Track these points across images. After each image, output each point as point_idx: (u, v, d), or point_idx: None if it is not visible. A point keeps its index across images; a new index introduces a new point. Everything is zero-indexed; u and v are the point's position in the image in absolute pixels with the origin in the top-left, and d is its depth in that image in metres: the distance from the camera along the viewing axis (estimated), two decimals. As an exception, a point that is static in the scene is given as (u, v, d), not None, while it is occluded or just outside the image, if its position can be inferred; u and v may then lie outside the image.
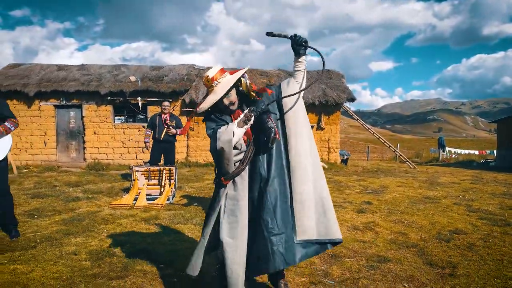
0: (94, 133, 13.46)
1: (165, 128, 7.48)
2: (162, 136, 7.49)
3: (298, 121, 2.86)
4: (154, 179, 7.00)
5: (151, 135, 7.76)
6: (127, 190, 7.23)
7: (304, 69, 2.90)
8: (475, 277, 3.49)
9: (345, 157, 15.25)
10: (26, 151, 13.18)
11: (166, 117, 7.58)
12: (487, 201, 7.22)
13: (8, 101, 13.00)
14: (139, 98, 13.11)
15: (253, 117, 2.66)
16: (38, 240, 4.45)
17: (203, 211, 5.92)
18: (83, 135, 13.47)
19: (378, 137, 15.61)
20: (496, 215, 5.98)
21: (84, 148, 13.48)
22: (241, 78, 2.76)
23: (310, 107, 14.09)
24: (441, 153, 24.05)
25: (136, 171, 7.02)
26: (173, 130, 7.53)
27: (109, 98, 13.26)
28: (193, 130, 13.87)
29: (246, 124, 2.65)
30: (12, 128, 4.41)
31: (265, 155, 2.76)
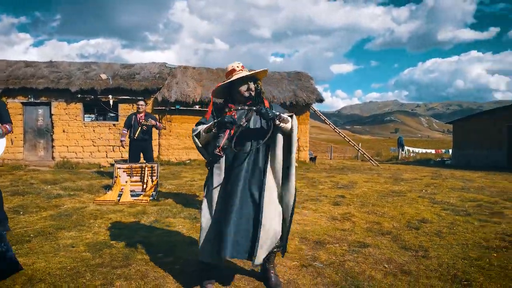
0: (63, 131, 13.24)
1: (139, 128, 7.62)
2: (136, 135, 7.64)
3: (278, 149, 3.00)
4: (136, 176, 7.12)
5: (127, 134, 7.87)
6: (108, 187, 7.31)
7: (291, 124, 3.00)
8: (445, 259, 3.94)
9: (314, 156, 15.80)
10: (-10, 149, 12.77)
11: (141, 116, 7.72)
12: (448, 195, 7.85)
13: (-28, 98, 12.58)
14: (110, 96, 13.03)
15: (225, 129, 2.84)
16: (32, 235, 4.52)
17: (189, 207, 6.14)
18: (51, 133, 13.22)
19: (343, 136, 16.28)
20: (457, 207, 6.57)
21: (53, 146, 13.23)
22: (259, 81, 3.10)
23: (282, 107, 14.53)
24: (400, 152, 25.24)
25: (118, 168, 7.12)
26: (152, 121, 7.72)
27: (79, 95, 13.09)
28: (165, 129, 13.93)
29: (216, 132, 2.87)
30: (10, 131, 4.58)
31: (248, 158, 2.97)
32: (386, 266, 3.74)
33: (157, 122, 7.86)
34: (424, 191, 8.31)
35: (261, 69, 3.12)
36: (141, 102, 7.87)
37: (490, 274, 3.51)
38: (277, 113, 2.91)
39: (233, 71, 3.04)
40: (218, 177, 2.97)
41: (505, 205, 6.77)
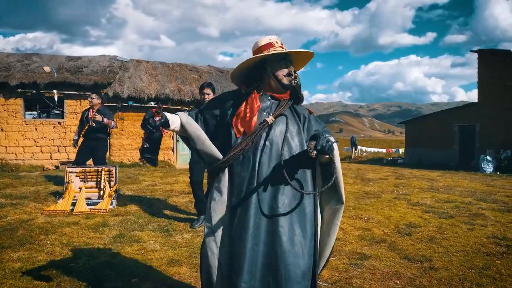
0: (1, 130, 11.77)
1: (88, 124, 6.69)
2: (83, 132, 6.73)
3: None
4: (91, 181, 6.25)
5: (80, 132, 6.95)
6: (58, 194, 6.37)
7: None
8: (453, 269, 3.62)
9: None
10: None
11: (93, 112, 6.76)
12: (421, 195, 7.70)
13: None
14: (54, 91, 11.77)
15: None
16: (-33, 258, 3.66)
17: (156, 216, 5.42)
18: (-13, 132, 11.74)
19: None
20: (437, 208, 6.38)
21: (-11, 147, 11.76)
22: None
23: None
24: (353, 151, 25.62)
25: (69, 172, 6.21)
26: (99, 117, 6.56)
27: (19, 90, 11.70)
28: (116, 128, 12.87)
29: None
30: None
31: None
32: (397, 282, 3.35)
33: (106, 119, 6.66)
34: (396, 192, 8.12)
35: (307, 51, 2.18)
36: (93, 95, 6.89)
37: (505, 285, 3.26)
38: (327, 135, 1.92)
39: (269, 45, 2.10)
40: (220, 203, 2.04)
41: (480, 206, 6.68)
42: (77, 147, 6.92)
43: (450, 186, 9.28)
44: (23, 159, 11.96)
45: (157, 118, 1.93)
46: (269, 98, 2.12)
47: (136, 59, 14.40)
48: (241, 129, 2.03)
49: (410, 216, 5.81)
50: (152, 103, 12.62)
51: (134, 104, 12.76)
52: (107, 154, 12.75)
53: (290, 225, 1.96)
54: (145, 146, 2.12)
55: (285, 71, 2.09)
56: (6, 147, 11.86)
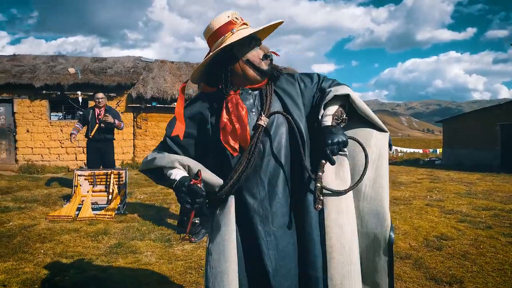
0: (27, 131, 11.93)
1: (97, 125, 6.44)
2: (92, 133, 6.48)
3: None
4: (100, 184, 6.02)
5: (80, 129, 6.70)
6: (67, 198, 6.18)
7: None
8: (489, 295, 3.05)
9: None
10: None
11: (100, 112, 6.52)
12: (456, 202, 7.01)
13: None
14: (79, 93, 11.78)
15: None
16: (-47, 268, 3.45)
17: (161, 224, 5.09)
18: (14, 134, 11.88)
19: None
20: (473, 217, 5.72)
21: (16, 148, 11.91)
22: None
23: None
24: (388, 152, 24.62)
25: (78, 175, 6.01)
26: (111, 118, 6.37)
27: (44, 92, 11.79)
28: (140, 128, 12.79)
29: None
30: None
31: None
32: (420, 311, 2.82)
33: (117, 120, 6.51)
34: (429, 198, 7.45)
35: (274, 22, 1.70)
36: (100, 94, 6.63)
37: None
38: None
39: (230, 25, 1.59)
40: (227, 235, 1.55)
41: (524, 215, 5.95)
42: (76, 142, 6.70)
43: (490, 190, 8.47)
44: (49, 160, 12.06)
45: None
46: (249, 91, 1.65)
47: (160, 59, 14.27)
48: (236, 146, 1.58)
49: (442, 226, 5.20)
50: (176, 103, 12.38)
51: (158, 105, 12.60)
52: (131, 155, 12.69)
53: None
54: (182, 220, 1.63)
55: (260, 53, 1.62)
56: (32, 148, 12.00)
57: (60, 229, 4.75)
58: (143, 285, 3.17)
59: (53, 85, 11.74)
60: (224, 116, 1.57)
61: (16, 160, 11.88)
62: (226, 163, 1.59)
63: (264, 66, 1.61)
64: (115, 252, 3.98)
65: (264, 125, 1.57)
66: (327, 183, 1.53)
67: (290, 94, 1.68)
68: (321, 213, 1.53)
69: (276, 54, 1.72)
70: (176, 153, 1.64)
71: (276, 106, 1.64)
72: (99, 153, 6.62)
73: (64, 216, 5.18)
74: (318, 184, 1.46)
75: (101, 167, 6.54)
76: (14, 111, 11.83)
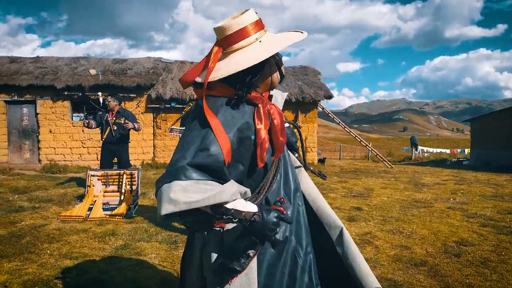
0: (50, 131, 12.19)
1: (109, 128, 6.44)
2: (105, 136, 6.49)
3: None
4: (113, 184, 6.03)
5: (93, 125, 6.66)
6: (82, 198, 6.21)
7: None
8: (508, 307, 2.82)
9: (323, 157, 14.64)
10: (-28, 151, 11.79)
11: (112, 115, 6.51)
12: (481, 205, 6.68)
13: (-50, 96, 11.59)
14: (99, 93, 11.95)
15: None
16: (-39, 267, 3.48)
17: (169, 227, 5.01)
18: (37, 134, 12.16)
19: (354, 136, 15.11)
20: (497, 221, 5.42)
21: (39, 148, 12.19)
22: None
23: (286, 105, 13.37)
24: (414, 152, 23.97)
25: (91, 175, 6.03)
26: (130, 124, 6.40)
27: (66, 93, 12.02)
28: (160, 129, 12.85)
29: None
30: None
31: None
32: (431, 323, 2.62)
33: (132, 123, 6.47)
34: (452, 200, 7.13)
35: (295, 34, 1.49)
36: (109, 98, 6.65)
37: None
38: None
39: (260, 24, 1.44)
40: None
41: (554, 219, 5.58)
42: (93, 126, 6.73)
43: (518, 193, 8.05)
44: (71, 160, 12.27)
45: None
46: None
47: (180, 60, 14.32)
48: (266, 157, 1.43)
49: (463, 231, 4.93)
50: (192, 103, 12.35)
51: (177, 105, 12.64)
52: (151, 155, 12.77)
53: None
54: None
55: (277, 72, 1.53)
56: (54, 148, 12.24)
57: (70, 229, 4.75)
58: (143, 287, 3.10)
59: (74, 86, 11.94)
60: (262, 130, 1.39)
61: (39, 160, 12.15)
62: (250, 172, 1.45)
63: (277, 84, 1.56)
64: (120, 253, 3.93)
65: None
66: None
67: None
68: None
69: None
70: (221, 179, 1.26)
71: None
72: (112, 155, 6.66)
73: (75, 216, 5.19)
74: None
75: (116, 167, 6.57)
76: (37, 112, 12.10)
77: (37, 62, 12.77)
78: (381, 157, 15.69)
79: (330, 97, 13.69)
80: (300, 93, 13.28)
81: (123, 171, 6.07)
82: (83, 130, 12.32)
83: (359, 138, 15.15)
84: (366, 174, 11.92)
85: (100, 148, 6.97)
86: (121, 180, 6.01)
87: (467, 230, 4.97)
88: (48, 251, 3.96)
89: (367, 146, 15.36)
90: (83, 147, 12.40)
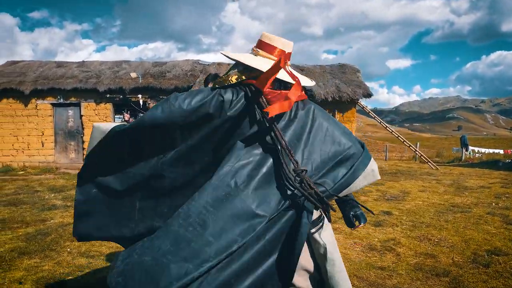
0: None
1: None
2: None
3: None
4: (140, 184, 6.16)
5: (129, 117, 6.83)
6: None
7: None
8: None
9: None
10: (23, 151, 12.54)
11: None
12: (526, 210, 6.18)
13: (4, 100, 12.41)
14: (139, 96, 12.33)
15: None
16: (-15, 262, 3.68)
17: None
18: (82, 135, 12.76)
19: (397, 135, 14.55)
20: (541, 230, 4.97)
21: (83, 148, 12.77)
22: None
23: (323, 104, 13.09)
24: (464, 153, 22.71)
25: (121, 175, 6.19)
26: None
27: (108, 95, 12.51)
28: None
29: None
30: None
31: None
32: None
33: None
34: (494, 205, 6.65)
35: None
36: (148, 100, 6.80)
37: None
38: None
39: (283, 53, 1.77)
40: None
41: None
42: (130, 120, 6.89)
43: None
44: (113, 160, 12.75)
45: None
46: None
47: (218, 62, 14.45)
48: None
49: (498, 239, 4.57)
50: None
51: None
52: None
53: None
54: None
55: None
56: (98, 149, 12.76)
57: (94, 228, 4.90)
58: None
59: (116, 89, 12.40)
60: None
61: (84, 160, 12.71)
62: None
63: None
64: (135, 253, 3.98)
65: None
66: None
67: None
68: None
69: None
70: None
71: None
72: None
73: (101, 215, 5.34)
74: None
75: None
76: (81, 114, 12.68)
77: (82, 66, 13.39)
78: (425, 158, 14.98)
79: (369, 95, 13.26)
80: (337, 92, 12.96)
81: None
82: (124, 131, 12.75)
83: (401, 138, 14.56)
84: (406, 176, 11.43)
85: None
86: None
87: (502, 238, 4.60)
88: (68, 249, 4.09)
89: (410, 147, 14.72)
90: (125, 148, 12.85)
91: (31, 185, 8.25)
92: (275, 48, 1.73)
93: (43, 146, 12.56)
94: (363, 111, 14.93)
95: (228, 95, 1.59)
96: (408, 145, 14.50)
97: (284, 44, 1.74)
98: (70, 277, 3.34)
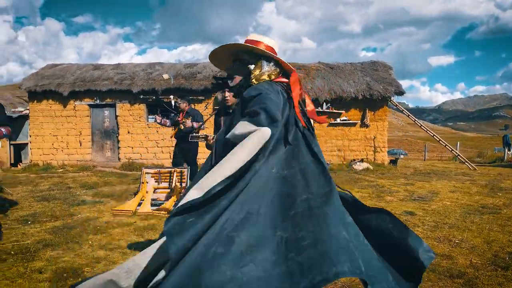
0: (128, 132, 13.20)
1: (177, 128, 6.71)
2: (173, 134, 6.81)
3: None
4: (164, 182, 6.35)
5: (167, 123, 7.01)
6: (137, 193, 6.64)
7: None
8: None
9: (401, 156, 13.84)
10: (62, 150, 13.19)
11: (182, 115, 6.80)
12: (563, 213, 5.84)
13: (44, 101, 13.09)
14: (171, 97, 12.63)
15: None
16: (13, 252, 3.94)
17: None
18: (117, 135, 13.24)
19: (432, 134, 14.07)
20: None
21: (119, 147, 13.26)
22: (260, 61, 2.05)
23: (353, 102, 12.89)
24: (506, 153, 21.64)
25: (145, 173, 6.41)
26: (189, 123, 6.49)
27: (141, 96, 12.92)
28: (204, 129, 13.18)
29: None
30: (5, 134, 4.34)
31: None
32: None
33: (195, 123, 6.72)
34: (529, 206, 6.33)
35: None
36: (179, 100, 6.91)
37: None
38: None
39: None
40: None
41: None
42: (166, 124, 7.07)
43: None
44: (147, 159, 13.16)
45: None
46: None
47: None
48: None
49: (525, 241, 4.36)
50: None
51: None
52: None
53: None
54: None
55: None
56: (132, 148, 13.22)
57: (117, 222, 5.11)
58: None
59: (149, 90, 12.78)
60: None
61: (119, 158, 13.21)
62: None
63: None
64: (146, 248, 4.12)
65: None
66: None
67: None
68: None
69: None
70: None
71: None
72: (182, 153, 6.93)
73: (125, 210, 5.56)
74: None
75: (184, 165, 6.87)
76: (117, 114, 13.16)
77: (117, 68, 13.88)
78: (462, 158, 14.42)
79: (401, 93, 12.90)
80: (368, 90, 12.71)
81: (173, 169, 6.36)
82: (157, 131, 13.13)
83: (437, 137, 14.06)
84: (440, 176, 11.05)
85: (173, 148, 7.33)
86: (171, 177, 6.30)
87: (530, 240, 4.39)
88: (90, 242, 4.29)
89: (446, 146, 14.20)
90: (157, 147, 13.22)
91: (65, 182, 8.68)
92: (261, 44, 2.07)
93: (81, 145, 13.15)
94: (413, 110, 14.56)
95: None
96: (444, 144, 14.00)
97: (270, 42, 2.09)
98: (86, 268, 3.51)
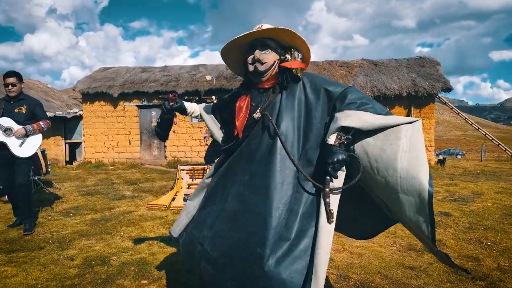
0: (174, 131, 13.70)
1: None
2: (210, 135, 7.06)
3: None
4: (198, 178, 6.57)
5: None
6: (174, 189, 6.93)
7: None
8: None
9: (458, 156, 13.25)
10: (113, 149, 13.95)
11: None
12: None
13: (96, 102, 13.91)
14: (213, 97, 12.96)
15: None
16: (51, 241, 4.27)
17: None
18: (163, 134, 13.78)
19: (484, 133, 13.33)
20: None
21: (165, 146, 13.81)
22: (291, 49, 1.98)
23: (397, 99, 12.51)
24: None
25: (181, 169, 6.67)
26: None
27: (186, 97, 13.37)
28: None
29: None
30: (45, 128, 4.71)
31: None
32: None
33: None
34: None
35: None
36: (209, 100, 7.17)
37: None
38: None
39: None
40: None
41: None
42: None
43: None
44: (191, 157, 13.60)
45: (171, 104, 2.19)
46: (261, 90, 2.00)
47: (290, 60, 14.53)
48: (237, 128, 2.02)
49: None
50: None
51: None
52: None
53: None
54: (157, 121, 2.41)
55: (250, 57, 1.94)
56: (177, 147, 13.71)
57: (150, 216, 5.37)
58: (171, 271, 3.39)
59: (192, 91, 13.20)
60: (236, 105, 2.04)
61: (165, 157, 13.75)
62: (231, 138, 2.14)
63: (250, 68, 1.92)
64: (176, 239, 4.30)
65: (256, 118, 1.92)
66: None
67: (294, 98, 1.90)
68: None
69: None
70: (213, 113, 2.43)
71: (276, 106, 1.91)
72: (216, 151, 7.20)
73: (160, 204, 5.83)
74: (328, 200, 1.66)
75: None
76: (163, 114, 13.69)
77: (164, 70, 14.46)
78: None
79: (449, 89, 12.34)
80: (413, 87, 12.28)
81: (207, 166, 6.56)
82: (200, 130, 13.52)
83: (490, 136, 13.30)
84: (489, 176, 10.46)
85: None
86: (205, 174, 6.50)
87: None
88: (121, 233, 4.56)
89: (500, 145, 13.40)
90: (201, 145, 13.61)
91: (110, 178, 9.20)
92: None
93: (130, 144, 13.84)
94: (462, 108, 13.93)
95: None
96: (498, 144, 13.22)
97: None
98: (113, 257, 3.75)
